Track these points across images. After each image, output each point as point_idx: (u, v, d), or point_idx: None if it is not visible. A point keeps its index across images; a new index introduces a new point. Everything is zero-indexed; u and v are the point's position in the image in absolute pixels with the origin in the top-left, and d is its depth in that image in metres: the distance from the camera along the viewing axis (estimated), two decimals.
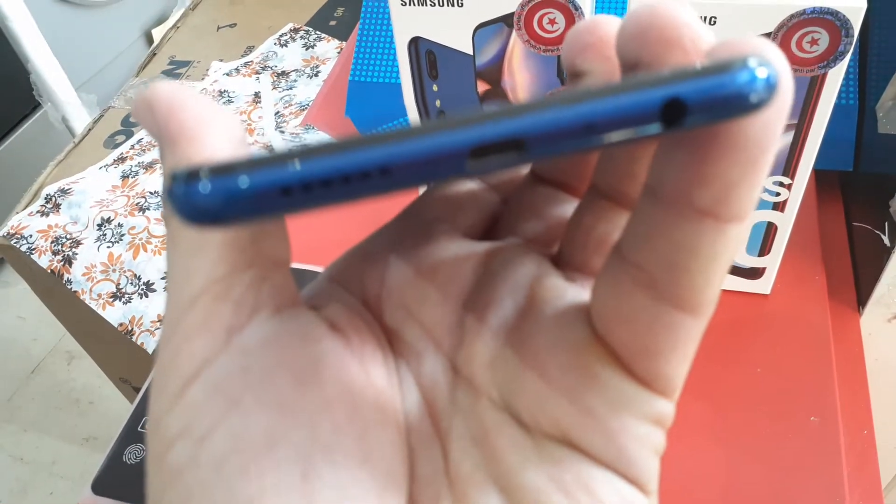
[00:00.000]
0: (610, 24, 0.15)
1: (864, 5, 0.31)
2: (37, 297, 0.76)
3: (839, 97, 0.50)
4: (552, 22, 0.35)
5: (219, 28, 0.91)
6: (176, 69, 0.87)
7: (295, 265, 0.47)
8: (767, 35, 0.32)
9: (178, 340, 0.14)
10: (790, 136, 0.36)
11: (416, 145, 0.11)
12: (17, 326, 1.52)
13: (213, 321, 0.14)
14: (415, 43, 0.37)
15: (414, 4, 0.36)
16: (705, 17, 0.33)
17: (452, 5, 0.35)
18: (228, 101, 0.79)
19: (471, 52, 0.37)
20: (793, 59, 0.33)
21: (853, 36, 0.31)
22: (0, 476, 1.27)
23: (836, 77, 0.33)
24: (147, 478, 0.14)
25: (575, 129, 0.11)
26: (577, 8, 0.34)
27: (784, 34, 0.32)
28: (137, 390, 0.87)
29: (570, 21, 0.35)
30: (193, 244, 0.14)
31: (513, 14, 0.35)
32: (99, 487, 0.39)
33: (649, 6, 0.13)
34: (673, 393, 0.15)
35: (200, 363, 0.13)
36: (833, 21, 0.31)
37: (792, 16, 0.32)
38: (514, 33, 0.36)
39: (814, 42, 0.32)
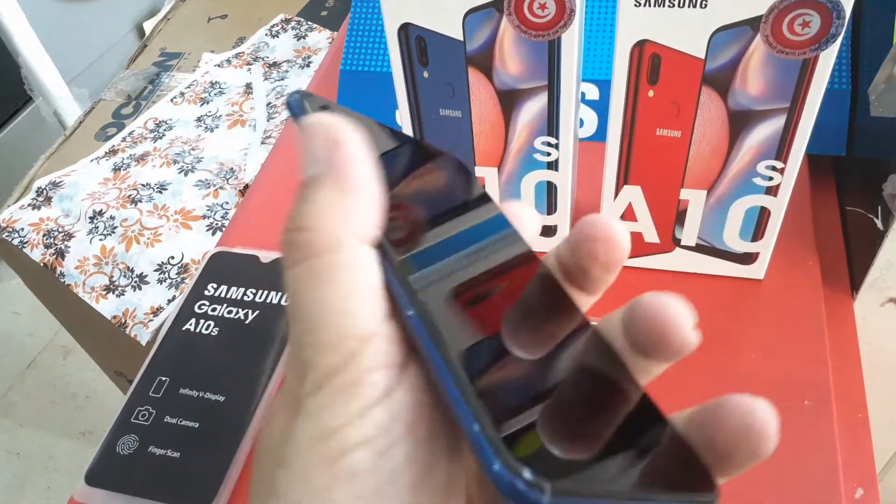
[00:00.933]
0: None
1: None
2: (31, 292, 0.76)
3: (831, 81, 0.50)
4: (543, 7, 0.35)
5: (210, 19, 0.91)
6: (167, 61, 0.87)
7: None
8: (758, 19, 0.32)
9: (358, 372, 0.15)
10: (782, 120, 0.35)
11: None
12: (13, 321, 1.51)
13: (389, 358, 0.16)
14: (405, 29, 0.37)
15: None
16: (696, 1, 0.32)
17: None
18: (220, 92, 0.78)
19: (461, 38, 0.37)
20: (784, 42, 0.33)
21: (845, 18, 0.31)
22: None
23: (827, 60, 0.33)
24: (294, 473, 0.15)
25: None
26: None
27: (775, 16, 0.32)
28: (132, 382, 0.87)
29: (561, 6, 0.34)
30: (351, 287, 0.16)
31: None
32: (92, 478, 0.39)
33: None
34: None
35: (383, 392, 0.15)
36: (825, 3, 0.31)
37: None
38: (504, 18, 0.36)
39: (805, 24, 0.32)
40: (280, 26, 0.85)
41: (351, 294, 0.16)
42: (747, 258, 0.42)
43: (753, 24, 0.32)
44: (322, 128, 0.17)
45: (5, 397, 1.38)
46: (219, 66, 0.82)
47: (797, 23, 0.32)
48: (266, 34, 0.85)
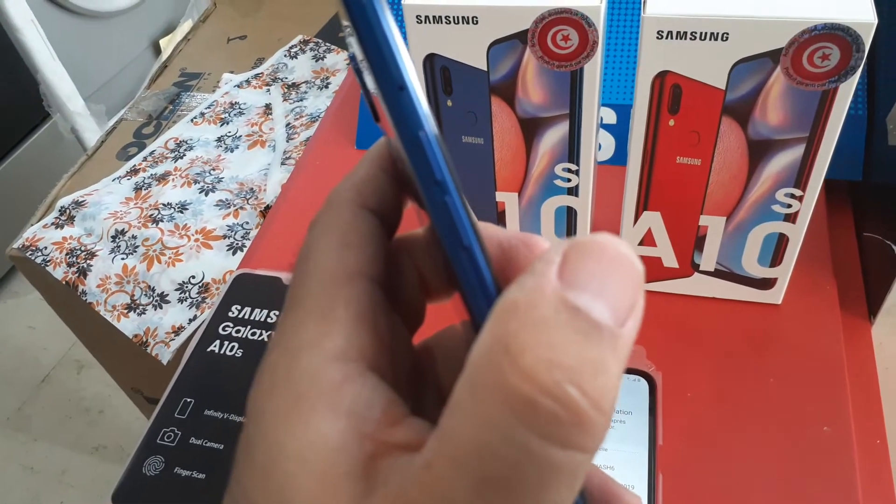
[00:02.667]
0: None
1: (875, 21, 0.31)
2: (47, 307, 0.77)
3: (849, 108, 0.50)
4: (566, 38, 0.36)
5: (229, 40, 0.92)
6: (187, 81, 0.88)
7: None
8: (778, 51, 0.33)
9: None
10: (801, 149, 0.36)
11: None
12: (28, 336, 1.53)
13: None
14: (430, 59, 0.38)
15: (429, 22, 0.36)
16: (718, 34, 0.33)
17: (468, 22, 0.36)
18: (240, 112, 0.80)
19: (485, 69, 0.38)
20: (804, 74, 0.33)
21: (864, 51, 0.32)
22: (11, 486, 1.28)
23: (846, 91, 0.33)
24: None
25: None
26: (590, 24, 0.35)
27: (795, 49, 0.33)
28: (149, 400, 0.88)
29: (584, 37, 0.35)
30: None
31: (527, 31, 0.36)
32: (119, 499, 0.40)
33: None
34: None
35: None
36: (844, 37, 0.32)
37: (803, 32, 0.32)
38: (527, 50, 0.36)
39: (825, 57, 0.33)
40: (298, 47, 0.86)
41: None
42: (765, 283, 0.43)
43: (774, 56, 0.33)
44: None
45: (20, 411, 1.40)
46: (238, 86, 0.83)
47: (817, 55, 0.33)
48: (285, 55, 0.86)
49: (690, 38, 0.33)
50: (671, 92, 0.35)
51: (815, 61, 0.33)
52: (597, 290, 0.12)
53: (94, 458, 1.31)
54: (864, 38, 0.32)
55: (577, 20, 0.35)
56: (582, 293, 0.12)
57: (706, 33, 0.33)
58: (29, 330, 1.54)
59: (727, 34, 0.33)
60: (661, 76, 0.35)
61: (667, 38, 0.34)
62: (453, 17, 0.36)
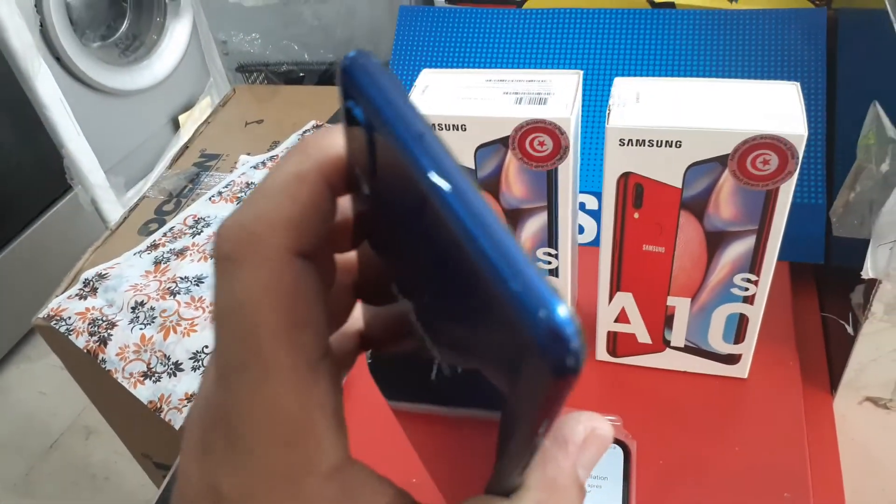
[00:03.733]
0: None
1: (805, 133, 0.36)
2: (58, 373, 0.80)
3: (809, 197, 0.55)
4: (542, 144, 0.41)
5: (247, 124, 0.99)
6: (207, 161, 0.94)
7: None
8: (725, 156, 0.38)
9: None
10: (752, 240, 0.41)
11: None
12: (38, 402, 1.55)
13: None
14: None
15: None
16: (672, 142, 0.38)
17: (457, 129, 0.41)
18: None
19: (473, 167, 0.43)
20: (749, 176, 0.38)
21: (798, 157, 0.37)
22: None
23: (787, 190, 0.38)
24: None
25: None
26: (562, 132, 0.40)
27: (740, 155, 0.38)
28: (158, 465, 0.90)
29: (557, 144, 0.41)
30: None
31: (508, 137, 0.41)
32: None
33: None
34: None
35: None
36: (780, 145, 0.37)
37: (745, 140, 0.37)
38: (509, 152, 0.42)
39: (766, 162, 0.38)
40: (311, 131, 0.93)
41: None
42: (731, 359, 0.47)
43: (722, 160, 0.38)
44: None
45: (27, 477, 1.41)
46: (254, 167, 0.89)
47: (759, 160, 0.38)
48: (299, 138, 0.93)
49: (648, 145, 0.39)
50: (634, 189, 0.40)
51: (757, 165, 0.38)
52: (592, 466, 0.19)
53: None
54: (796, 147, 0.37)
55: (550, 129, 0.40)
56: (585, 472, 0.19)
57: (662, 141, 0.38)
58: (40, 395, 1.57)
59: (680, 142, 0.38)
60: (625, 176, 0.40)
61: (628, 144, 0.39)
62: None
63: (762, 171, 0.38)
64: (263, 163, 0.91)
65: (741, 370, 0.47)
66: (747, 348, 0.46)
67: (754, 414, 0.45)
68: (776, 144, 0.37)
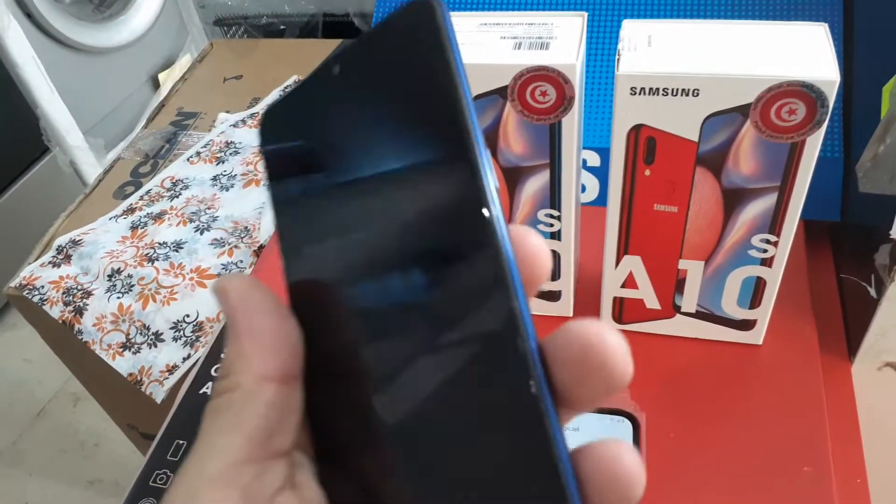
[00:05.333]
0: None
1: (837, 78, 0.33)
2: (43, 341, 0.77)
3: (825, 150, 0.52)
4: (544, 94, 0.37)
5: (225, 80, 0.94)
6: (184, 120, 0.90)
7: None
8: (747, 106, 0.34)
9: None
10: (774, 198, 0.37)
11: None
12: (24, 369, 1.53)
13: None
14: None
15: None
16: (689, 90, 0.35)
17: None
18: (235, 151, 0.81)
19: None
20: (773, 127, 0.35)
21: (828, 107, 0.33)
22: None
23: (814, 143, 0.35)
24: None
25: None
26: (566, 81, 0.36)
27: (763, 104, 0.34)
28: (144, 436, 0.88)
29: (561, 94, 0.37)
30: (228, 425, 0.18)
31: (506, 87, 0.37)
32: None
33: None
34: None
35: None
36: (808, 93, 0.33)
37: (770, 88, 0.34)
38: (507, 104, 0.38)
39: (792, 112, 0.34)
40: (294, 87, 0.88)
41: (223, 431, 0.18)
42: (745, 325, 0.44)
43: (743, 110, 0.35)
44: (217, 285, 0.19)
45: (14, 446, 1.39)
46: (234, 126, 0.85)
47: (784, 110, 0.34)
48: (280, 95, 0.88)
49: (663, 94, 0.35)
50: (646, 143, 0.37)
51: (782, 115, 0.34)
52: None
53: (89, 492, 1.30)
54: (827, 95, 0.33)
55: (553, 77, 0.36)
56: None
57: (678, 89, 0.35)
58: (25, 363, 1.54)
59: (697, 90, 0.34)
60: (636, 129, 0.36)
61: (640, 93, 0.35)
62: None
63: (787, 122, 0.34)
64: (243, 120, 0.86)
65: (756, 336, 0.44)
66: (763, 313, 0.43)
67: (770, 382, 0.43)
68: (804, 92, 0.33)
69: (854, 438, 0.42)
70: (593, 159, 0.55)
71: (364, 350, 0.18)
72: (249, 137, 0.82)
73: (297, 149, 0.20)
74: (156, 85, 1.88)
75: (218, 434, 0.18)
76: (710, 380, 0.43)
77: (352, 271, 0.19)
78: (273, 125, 0.20)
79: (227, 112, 0.88)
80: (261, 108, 0.87)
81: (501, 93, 0.37)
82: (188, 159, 0.82)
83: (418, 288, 0.17)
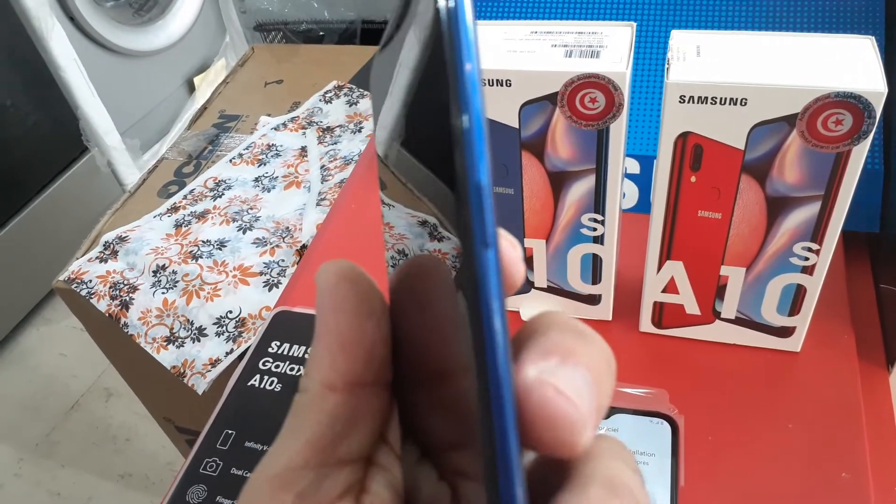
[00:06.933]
0: None
1: (885, 90, 0.33)
2: (79, 335, 0.80)
3: (865, 162, 0.52)
4: (593, 101, 0.38)
5: (266, 84, 0.97)
6: (226, 122, 0.92)
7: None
8: (794, 116, 0.35)
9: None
10: (817, 206, 0.38)
11: None
12: (58, 364, 1.56)
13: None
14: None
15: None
16: (737, 99, 0.36)
17: (501, 85, 0.39)
18: (276, 154, 0.83)
19: (517, 126, 0.40)
20: (819, 137, 0.35)
21: (875, 117, 0.34)
22: None
23: (860, 153, 0.36)
24: None
25: None
26: (616, 88, 0.38)
27: (811, 115, 0.35)
28: (179, 429, 0.90)
29: (610, 101, 0.38)
30: (291, 428, 0.18)
31: (556, 93, 0.38)
32: None
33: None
34: None
35: None
36: (856, 104, 0.34)
37: (817, 99, 0.34)
38: (557, 110, 0.39)
39: (838, 122, 0.35)
40: (333, 92, 0.90)
41: (289, 433, 0.18)
42: (784, 332, 0.44)
43: (790, 120, 0.35)
44: (319, 271, 0.19)
45: (48, 437, 1.42)
46: (275, 129, 0.87)
47: (831, 120, 0.35)
48: (320, 100, 0.90)
49: (711, 103, 0.36)
50: (693, 151, 0.38)
51: (829, 126, 0.35)
52: None
53: (119, 485, 1.33)
54: (875, 106, 0.34)
55: (604, 84, 0.37)
56: None
57: (726, 98, 0.36)
58: (60, 357, 1.57)
59: (746, 100, 0.35)
60: (684, 136, 0.37)
61: (689, 102, 0.36)
62: (489, 81, 0.39)
63: (833, 133, 0.35)
64: (284, 124, 0.88)
65: (794, 343, 0.45)
66: (802, 321, 0.43)
67: (808, 389, 0.43)
68: (851, 103, 0.34)
69: (892, 445, 0.42)
70: (633, 167, 0.56)
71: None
72: (290, 140, 0.84)
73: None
74: (191, 88, 1.91)
75: (285, 435, 0.18)
76: (749, 385, 0.44)
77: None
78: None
79: (269, 115, 0.91)
80: (301, 112, 0.89)
81: (552, 99, 0.39)
82: (230, 161, 0.85)
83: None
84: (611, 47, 0.39)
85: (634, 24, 0.41)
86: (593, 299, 0.48)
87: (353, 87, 0.91)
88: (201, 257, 0.72)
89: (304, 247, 0.70)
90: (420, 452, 0.20)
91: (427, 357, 0.18)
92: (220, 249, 0.73)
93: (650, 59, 0.57)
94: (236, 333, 0.66)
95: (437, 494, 0.19)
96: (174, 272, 0.71)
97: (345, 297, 0.18)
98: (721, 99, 0.36)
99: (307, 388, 0.18)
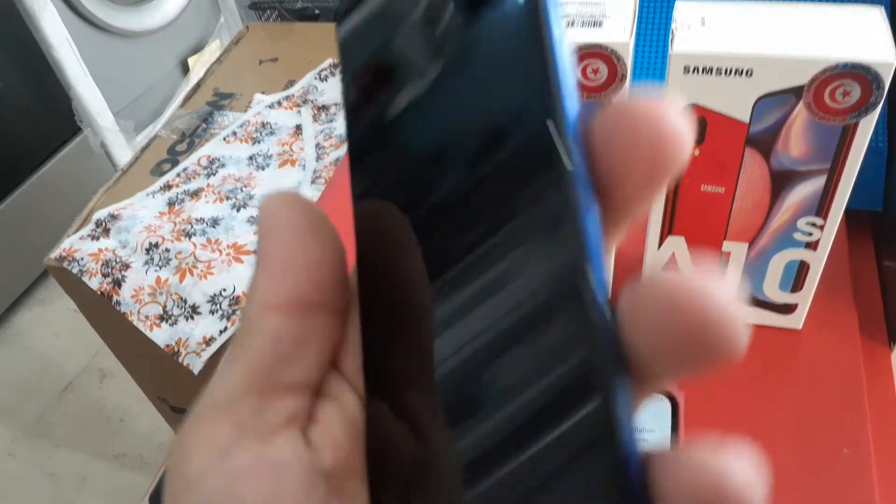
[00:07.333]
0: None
1: (894, 61, 0.33)
2: (72, 316, 0.79)
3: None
4: (595, 71, 0.37)
5: (261, 62, 0.95)
6: (220, 101, 0.91)
7: None
8: (801, 87, 0.34)
9: (187, 446, 0.16)
10: (822, 180, 0.37)
11: None
12: (52, 344, 1.55)
13: (213, 439, 0.16)
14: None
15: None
16: (743, 70, 0.35)
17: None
18: (271, 132, 0.82)
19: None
20: (826, 109, 0.35)
21: (884, 89, 0.33)
22: (32, 491, 1.30)
23: (867, 126, 0.35)
24: None
25: None
26: (618, 59, 0.37)
27: (817, 86, 0.34)
28: (174, 409, 0.90)
29: (613, 71, 0.37)
30: (231, 355, 0.17)
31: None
32: (156, 500, 0.41)
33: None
34: None
35: (195, 476, 0.16)
36: (864, 75, 0.33)
37: (825, 69, 0.34)
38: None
39: (846, 94, 0.34)
40: (328, 70, 0.89)
41: (227, 361, 0.17)
42: (786, 309, 0.44)
43: (797, 92, 0.35)
44: (260, 204, 0.18)
45: (42, 418, 1.42)
46: (270, 107, 0.86)
47: (838, 92, 0.34)
48: (315, 78, 0.89)
49: (716, 74, 0.35)
50: (697, 124, 0.37)
51: (836, 97, 0.34)
52: None
53: (114, 465, 1.33)
54: (883, 77, 0.33)
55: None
56: None
57: (731, 69, 0.35)
58: (54, 338, 1.56)
59: (751, 70, 0.35)
60: (688, 109, 0.37)
61: (693, 73, 0.35)
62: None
63: (840, 105, 0.35)
64: (279, 102, 0.87)
65: (796, 321, 0.44)
66: (805, 298, 0.43)
67: (809, 366, 0.43)
68: (859, 74, 0.33)
69: (893, 422, 0.42)
70: None
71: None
72: (285, 118, 0.83)
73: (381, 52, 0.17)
74: (185, 69, 1.89)
75: (225, 363, 0.17)
76: (749, 362, 0.44)
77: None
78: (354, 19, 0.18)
79: (263, 93, 0.89)
80: (296, 90, 0.88)
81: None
82: (224, 139, 0.83)
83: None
84: (613, 17, 0.38)
85: None
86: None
87: None
88: (194, 235, 0.71)
89: None
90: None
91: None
92: (213, 227, 0.72)
93: (654, 30, 0.56)
94: (230, 311, 0.65)
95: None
96: (167, 250, 0.70)
97: (286, 219, 0.17)
98: (726, 70, 0.35)
99: (246, 314, 0.17)
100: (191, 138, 0.86)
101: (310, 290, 0.17)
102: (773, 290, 0.43)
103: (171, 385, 0.82)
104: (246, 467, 0.16)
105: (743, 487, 0.13)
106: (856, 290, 0.47)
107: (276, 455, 0.16)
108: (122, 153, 1.69)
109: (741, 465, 0.13)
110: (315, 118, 0.83)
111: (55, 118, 1.59)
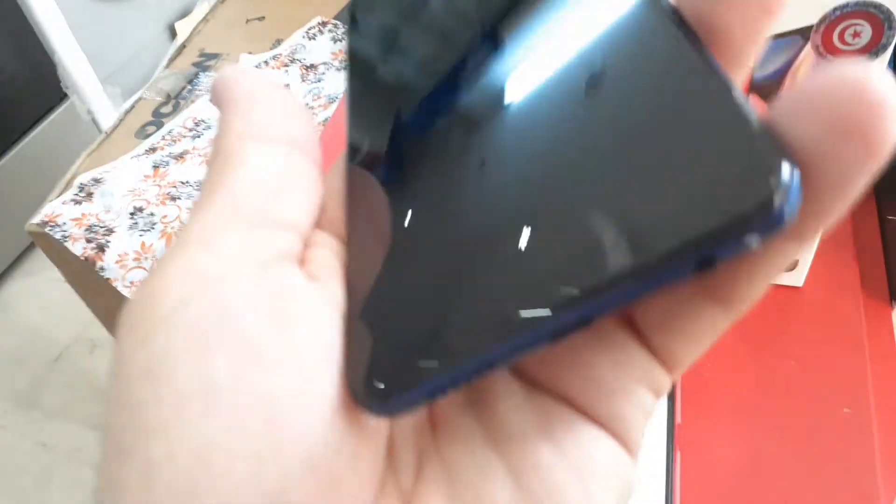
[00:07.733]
0: None
1: None
2: (61, 287, 0.77)
3: None
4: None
5: (247, 21, 0.92)
6: (206, 61, 0.88)
7: None
8: (809, 28, 0.33)
9: (156, 283, 0.14)
10: None
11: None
12: (41, 315, 1.54)
13: (196, 267, 0.14)
14: None
15: None
16: None
17: None
18: None
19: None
20: (835, 51, 0.33)
21: None
22: (24, 462, 1.29)
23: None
24: (107, 410, 0.14)
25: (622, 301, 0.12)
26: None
27: (827, 26, 0.32)
28: None
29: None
30: (208, 190, 0.15)
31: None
32: None
33: None
34: (678, 370, 0.15)
35: (172, 305, 0.13)
36: (876, 14, 0.31)
37: (835, 8, 0.32)
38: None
39: (856, 34, 0.32)
40: (317, 29, 0.86)
41: (214, 188, 0.16)
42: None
43: (804, 33, 0.33)
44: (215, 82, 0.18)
45: (32, 389, 1.41)
46: (257, 67, 0.84)
47: (848, 32, 0.32)
48: (303, 37, 0.86)
49: None
50: None
51: (846, 38, 0.33)
52: None
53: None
54: (895, 15, 0.31)
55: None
56: None
57: None
58: (42, 309, 1.55)
59: None
60: None
61: None
62: None
63: (850, 46, 0.33)
64: (266, 62, 0.85)
65: (797, 277, 0.43)
66: (805, 254, 0.42)
67: (810, 323, 0.42)
68: (871, 12, 0.32)
69: (894, 381, 0.41)
70: None
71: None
72: (273, 78, 0.81)
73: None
74: (173, 34, 1.86)
75: (202, 198, 0.15)
76: (748, 320, 0.42)
77: None
78: None
79: (250, 53, 0.87)
80: (283, 49, 0.86)
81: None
82: (210, 100, 0.81)
83: None
84: None
85: None
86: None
87: (338, 23, 0.88)
88: (180, 198, 0.69)
89: None
90: None
91: None
92: (199, 190, 0.70)
93: None
94: None
95: None
96: (152, 214, 0.69)
97: (248, 72, 0.16)
98: None
99: (221, 147, 0.15)
100: (176, 100, 0.84)
101: (287, 127, 0.16)
102: None
103: None
104: (243, 293, 0.14)
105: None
106: (857, 246, 0.46)
107: (281, 280, 0.14)
108: (110, 120, 1.66)
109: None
110: (303, 78, 0.81)
111: (42, 85, 1.56)
